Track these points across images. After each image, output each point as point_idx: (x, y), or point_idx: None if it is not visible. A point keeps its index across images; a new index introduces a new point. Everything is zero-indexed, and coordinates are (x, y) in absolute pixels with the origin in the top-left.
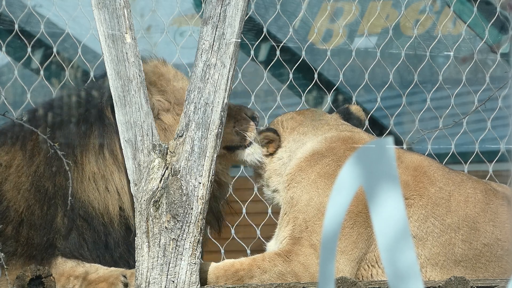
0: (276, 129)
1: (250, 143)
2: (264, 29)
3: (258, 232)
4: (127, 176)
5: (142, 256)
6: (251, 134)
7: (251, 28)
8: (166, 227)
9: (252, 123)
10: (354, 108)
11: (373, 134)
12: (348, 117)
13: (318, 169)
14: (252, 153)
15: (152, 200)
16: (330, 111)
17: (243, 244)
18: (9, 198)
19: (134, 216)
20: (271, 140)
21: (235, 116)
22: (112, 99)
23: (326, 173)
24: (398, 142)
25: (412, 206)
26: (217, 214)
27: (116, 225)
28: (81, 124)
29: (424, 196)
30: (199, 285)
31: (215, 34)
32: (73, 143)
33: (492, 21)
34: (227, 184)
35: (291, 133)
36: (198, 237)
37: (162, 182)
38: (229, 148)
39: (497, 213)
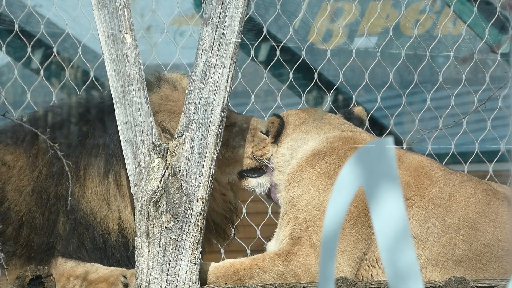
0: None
1: (264, 170)
2: (264, 29)
3: (258, 232)
4: (132, 207)
5: (142, 256)
6: (268, 155)
7: (251, 28)
8: (166, 227)
9: (268, 140)
10: (357, 109)
11: (373, 135)
12: (349, 117)
13: (319, 168)
14: (264, 183)
15: (152, 200)
16: (330, 111)
17: (243, 244)
18: (11, 199)
19: (132, 237)
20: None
21: (253, 139)
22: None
23: (327, 173)
24: (398, 142)
25: (413, 207)
26: (231, 219)
27: (114, 239)
28: (85, 138)
29: (425, 196)
30: (199, 285)
31: (215, 34)
32: (76, 155)
33: (492, 21)
34: (237, 205)
35: (294, 130)
36: (198, 237)
37: (162, 182)
38: (242, 173)
39: (497, 214)
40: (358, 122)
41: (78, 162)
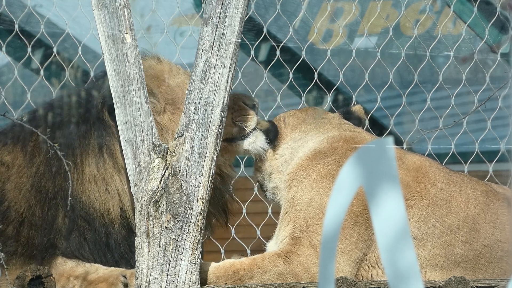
0: (278, 125)
1: (250, 133)
2: (264, 29)
3: (258, 232)
4: (127, 177)
5: (142, 256)
6: (250, 124)
7: (251, 28)
8: (166, 227)
9: (251, 111)
10: (356, 108)
11: (373, 134)
12: (348, 116)
13: (319, 168)
14: (254, 141)
15: (152, 200)
16: (331, 111)
17: (243, 244)
18: (10, 198)
19: (135, 216)
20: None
21: (233, 106)
22: (111, 100)
23: (327, 173)
24: (398, 142)
25: (413, 207)
26: (223, 207)
27: (117, 226)
28: (81, 125)
29: (425, 197)
30: (199, 285)
31: (215, 34)
32: (73, 144)
33: (492, 21)
34: (229, 177)
35: (293, 130)
36: (198, 237)
37: (162, 182)
38: (229, 140)
39: (497, 215)
40: (357, 121)
41: (75, 151)
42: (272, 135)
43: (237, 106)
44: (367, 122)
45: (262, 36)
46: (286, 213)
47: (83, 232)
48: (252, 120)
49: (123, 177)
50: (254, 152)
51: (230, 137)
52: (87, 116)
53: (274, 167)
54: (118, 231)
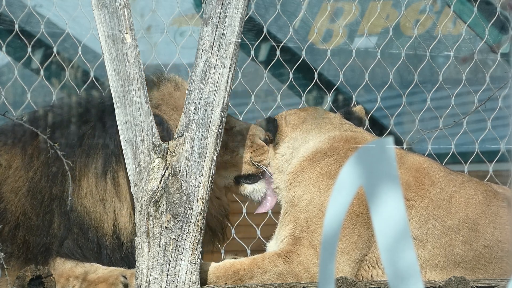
0: (279, 122)
1: (261, 176)
2: (264, 29)
3: (258, 232)
4: (127, 207)
5: (142, 256)
6: (266, 162)
7: (251, 28)
8: (166, 227)
9: (266, 148)
10: (357, 109)
11: (374, 135)
12: (349, 116)
13: (320, 168)
14: (259, 189)
15: (152, 200)
16: (331, 111)
17: (243, 244)
18: (7, 200)
19: (126, 239)
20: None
21: (251, 144)
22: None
23: (328, 173)
24: (398, 142)
25: (413, 208)
26: (220, 230)
27: (109, 241)
28: (85, 143)
29: (425, 197)
30: (199, 285)
31: (215, 34)
32: (72, 156)
33: (492, 21)
34: (229, 210)
35: (294, 129)
36: (198, 237)
37: (162, 182)
38: (239, 179)
39: (497, 215)
40: (357, 121)
41: (74, 162)
42: (272, 130)
43: (256, 145)
44: (367, 122)
45: (262, 36)
46: (286, 212)
47: (77, 238)
48: (268, 158)
49: (124, 208)
50: (253, 199)
51: (244, 174)
52: (92, 134)
53: (275, 168)
54: (109, 244)
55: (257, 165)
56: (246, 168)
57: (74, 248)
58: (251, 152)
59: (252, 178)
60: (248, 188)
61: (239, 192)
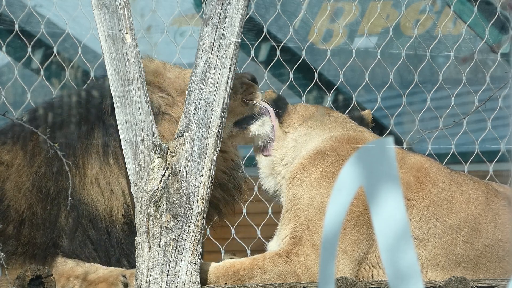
0: (289, 107)
1: (258, 116)
2: (265, 29)
3: (258, 232)
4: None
5: (142, 256)
6: (258, 99)
7: (252, 28)
8: (166, 227)
9: (256, 86)
10: (365, 113)
11: (377, 135)
12: (358, 121)
13: (321, 168)
14: (263, 124)
15: (153, 200)
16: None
17: (243, 244)
18: (10, 197)
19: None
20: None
21: (238, 85)
22: (112, 100)
23: (329, 172)
24: (398, 142)
25: (414, 208)
26: (237, 192)
27: (119, 226)
28: (82, 126)
29: (426, 197)
30: (199, 285)
31: (215, 34)
32: (74, 145)
33: (493, 21)
34: (239, 162)
35: (300, 123)
36: (199, 237)
37: (162, 182)
38: (240, 124)
39: (498, 214)
40: (364, 126)
41: (76, 152)
42: (282, 105)
43: (244, 85)
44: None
45: (262, 36)
46: (287, 211)
47: (87, 230)
48: (259, 95)
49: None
50: (263, 134)
51: (242, 117)
52: (89, 117)
53: (279, 158)
54: (120, 231)
55: (250, 102)
56: (241, 111)
57: (84, 242)
58: (241, 93)
59: (252, 118)
60: (253, 128)
61: (246, 137)
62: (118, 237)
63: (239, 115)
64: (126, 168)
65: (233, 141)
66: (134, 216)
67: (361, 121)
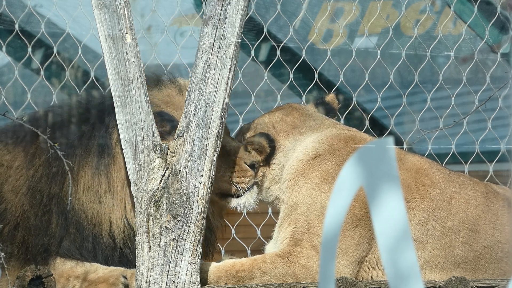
0: (271, 134)
1: (244, 192)
2: (265, 29)
3: (258, 232)
4: (120, 205)
5: (142, 256)
6: (246, 186)
7: (252, 28)
8: (166, 227)
9: (250, 172)
10: (329, 98)
11: (374, 135)
12: (323, 106)
13: (321, 172)
14: (244, 203)
15: (153, 200)
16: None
17: (243, 244)
18: (8, 200)
19: (119, 238)
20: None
21: (235, 166)
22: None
23: (329, 176)
24: (398, 142)
25: (414, 209)
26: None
27: (105, 240)
28: (84, 140)
29: (426, 199)
30: (199, 285)
31: (216, 34)
32: (73, 156)
33: (493, 21)
34: (217, 227)
35: (286, 137)
36: (199, 237)
37: (162, 182)
38: (221, 195)
39: (497, 215)
40: (331, 111)
41: (73, 158)
42: (272, 154)
43: (239, 167)
44: (367, 123)
45: (262, 36)
46: (287, 215)
47: (74, 238)
48: (250, 182)
49: (116, 205)
50: (240, 211)
51: (223, 193)
52: (89, 121)
53: (271, 179)
54: (107, 244)
55: (236, 186)
56: (226, 188)
57: (72, 249)
58: (232, 173)
59: (236, 194)
60: (233, 202)
61: (227, 206)
62: (103, 250)
63: (222, 189)
64: (115, 188)
65: (212, 205)
66: (115, 233)
67: (327, 107)
